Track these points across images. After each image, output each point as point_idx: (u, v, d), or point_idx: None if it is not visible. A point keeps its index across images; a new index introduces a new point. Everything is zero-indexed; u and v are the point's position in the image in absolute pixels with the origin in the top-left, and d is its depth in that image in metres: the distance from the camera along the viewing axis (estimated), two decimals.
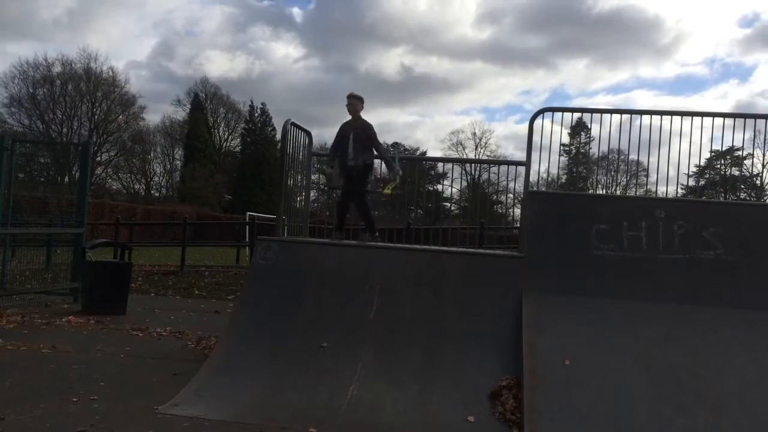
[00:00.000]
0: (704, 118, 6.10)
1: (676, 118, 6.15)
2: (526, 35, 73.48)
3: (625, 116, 6.78)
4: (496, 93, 78.07)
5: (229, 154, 54.06)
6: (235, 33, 74.33)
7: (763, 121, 6.15)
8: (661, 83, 74.20)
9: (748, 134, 6.36)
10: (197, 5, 78.62)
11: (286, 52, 75.47)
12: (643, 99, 67.24)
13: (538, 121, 6.14)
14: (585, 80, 72.83)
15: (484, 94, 76.71)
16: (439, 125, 76.24)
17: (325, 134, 54.58)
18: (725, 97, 69.16)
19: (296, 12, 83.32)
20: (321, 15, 76.35)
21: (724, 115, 6.15)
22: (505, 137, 76.60)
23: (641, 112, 6.56)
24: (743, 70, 74.19)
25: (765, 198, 48.46)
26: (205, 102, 51.59)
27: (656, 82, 74.82)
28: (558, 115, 6.29)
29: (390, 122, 74.88)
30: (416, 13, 73.95)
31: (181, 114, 51.81)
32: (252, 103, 52.66)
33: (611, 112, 6.61)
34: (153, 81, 65.54)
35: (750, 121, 6.13)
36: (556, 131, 6.55)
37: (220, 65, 69.60)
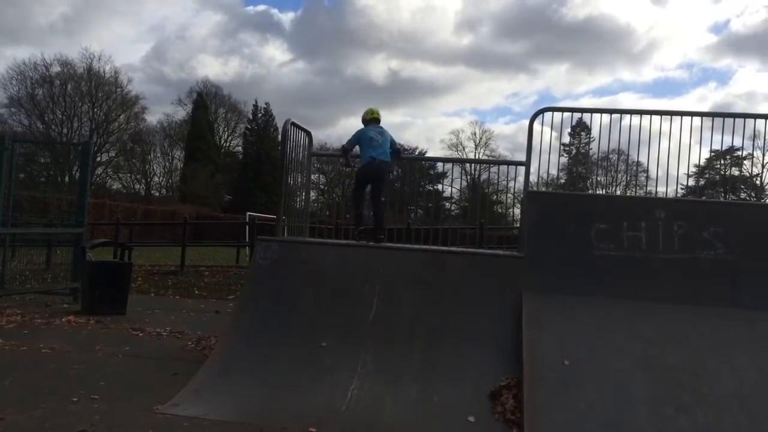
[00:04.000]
0: (704, 118, 6.12)
1: (676, 118, 6.15)
2: (504, 42, 74.79)
3: (625, 115, 6.76)
4: (484, 96, 79.04)
5: (229, 155, 54.00)
6: (226, 38, 75.52)
7: (763, 121, 6.15)
8: (642, 86, 74.68)
9: (748, 133, 6.36)
10: (190, 12, 79.82)
11: (275, 57, 76.86)
12: (628, 101, 67.57)
13: (537, 121, 6.14)
14: (569, 84, 73.59)
15: (472, 96, 77.55)
16: (429, 126, 76.80)
17: (319, 135, 54.80)
18: (704, 99, 69.67)
19: (284, 18, 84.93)
20: (308, 22, 77.83)
21: (724, 115, 6.15)
22: (496, 138, 77.03)
23: (641, 112, 6.50)
24: (720, 74, 75.21)
25: (765, 198, 48.46)
26: (207, 101, 51.55)
27: (638, 86, 75.35)
28: (558, 115, 6.29)
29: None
30: (400, 21, 75.25)
31: (180, 114, 51.86)
32: (256, 102, 52.62)
33: (612, 112, 6.60)
34: (147, 84, 66.26)
35: (750, 121, 6.13)
36: (556, 130, 6.56)
37: (212, 69, 70.74)
